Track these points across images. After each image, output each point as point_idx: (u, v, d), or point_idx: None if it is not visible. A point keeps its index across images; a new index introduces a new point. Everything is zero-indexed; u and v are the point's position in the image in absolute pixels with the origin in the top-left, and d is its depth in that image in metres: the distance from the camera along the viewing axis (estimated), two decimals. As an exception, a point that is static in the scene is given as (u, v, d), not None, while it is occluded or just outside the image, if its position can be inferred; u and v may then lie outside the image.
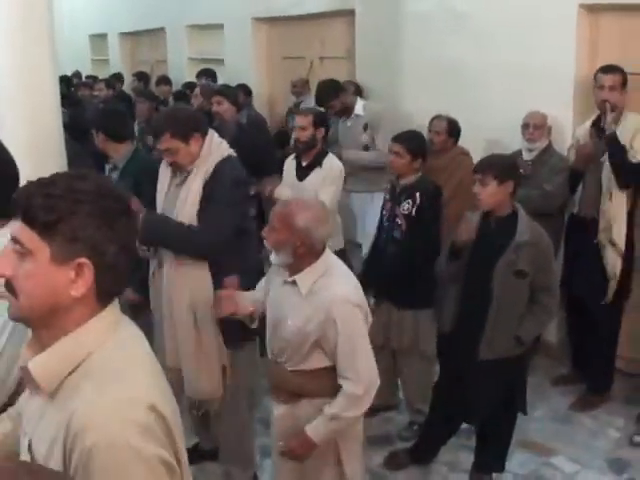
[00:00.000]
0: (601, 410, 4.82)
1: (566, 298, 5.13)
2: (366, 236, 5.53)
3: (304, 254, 2.84)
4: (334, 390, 2.87)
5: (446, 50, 5.95)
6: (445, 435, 4.17)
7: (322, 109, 5.66)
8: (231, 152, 3.54)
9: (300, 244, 2.80)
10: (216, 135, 3.54)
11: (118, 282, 1.59)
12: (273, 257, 2.93)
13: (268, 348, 3.09)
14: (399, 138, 4.37)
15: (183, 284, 3.42)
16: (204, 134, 3.43)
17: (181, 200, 3.41)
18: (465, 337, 3.72)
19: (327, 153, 4.88)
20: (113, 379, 1.48)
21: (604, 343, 4.82)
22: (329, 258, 2.94)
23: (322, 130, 4.82)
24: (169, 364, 3.47)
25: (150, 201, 3.67)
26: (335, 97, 5.82)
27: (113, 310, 1.60)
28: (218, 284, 3.42)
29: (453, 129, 5.37)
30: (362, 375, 2.83)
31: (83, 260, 1.48)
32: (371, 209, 5.54)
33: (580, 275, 4.82)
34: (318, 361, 2.90)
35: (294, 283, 2.89)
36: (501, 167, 3.62)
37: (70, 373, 1.50)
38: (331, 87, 5.93)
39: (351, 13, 7.10)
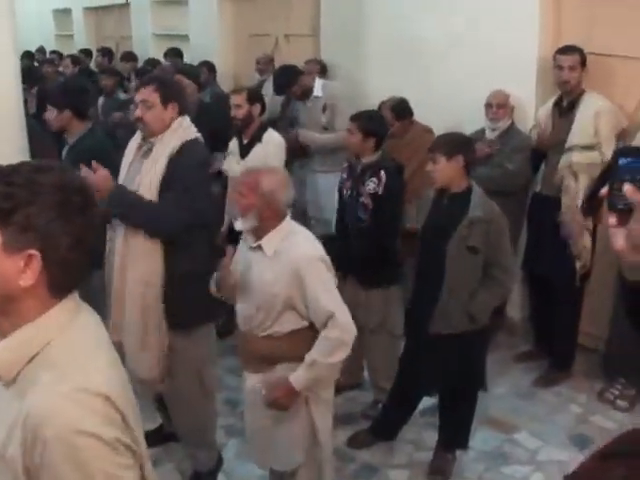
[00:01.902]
0: (563, 386, 4.89)
1: (529, 276, 5.20)
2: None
3: (269, 217, 2.98)
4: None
5: (412, 29, 5.92)
6: (405, 411, 4.19)
7: (282, 96, 5.78)
8: (199, 136, 3.55)
9: (266, 207, 2.95)
10: (188, 119, 3.55)
11: (71, 276, 1.56)
12: (238, 224, 3.04)
13: (238, 319, 3.15)
14: (354, 117, 4.39)
15: (136, 257, 3.38)
16: (182, 110, 3.49)
17: (145, 170, 3.38)
18: (421, 312, 3.76)
19: (267, 128, 4.96)
20: (71, 369, 1.48)
21: (567, 321, 4.87)
22: (291, 222, 3.09)
23: (258, 106, 4.94)
24: (112, 338, 3.41)
25: None
26: (294, 83, 5.75)
27: (72, 299, 1.59)
28: (171, 264, 3.41)
29: (400, 112, 5.24)
30: (338, 319, 2.91)
31: (33, 252, 1.46)
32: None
33: (543, 253, 4.87)
34: (292, 323, 3.01)
35: (259, 248, 3.01)
36: (449, 143, 3.66)
37: (28, 362, 1.49)
38: (289, 73, 5.84)
39: (317, -10, 7.02)
